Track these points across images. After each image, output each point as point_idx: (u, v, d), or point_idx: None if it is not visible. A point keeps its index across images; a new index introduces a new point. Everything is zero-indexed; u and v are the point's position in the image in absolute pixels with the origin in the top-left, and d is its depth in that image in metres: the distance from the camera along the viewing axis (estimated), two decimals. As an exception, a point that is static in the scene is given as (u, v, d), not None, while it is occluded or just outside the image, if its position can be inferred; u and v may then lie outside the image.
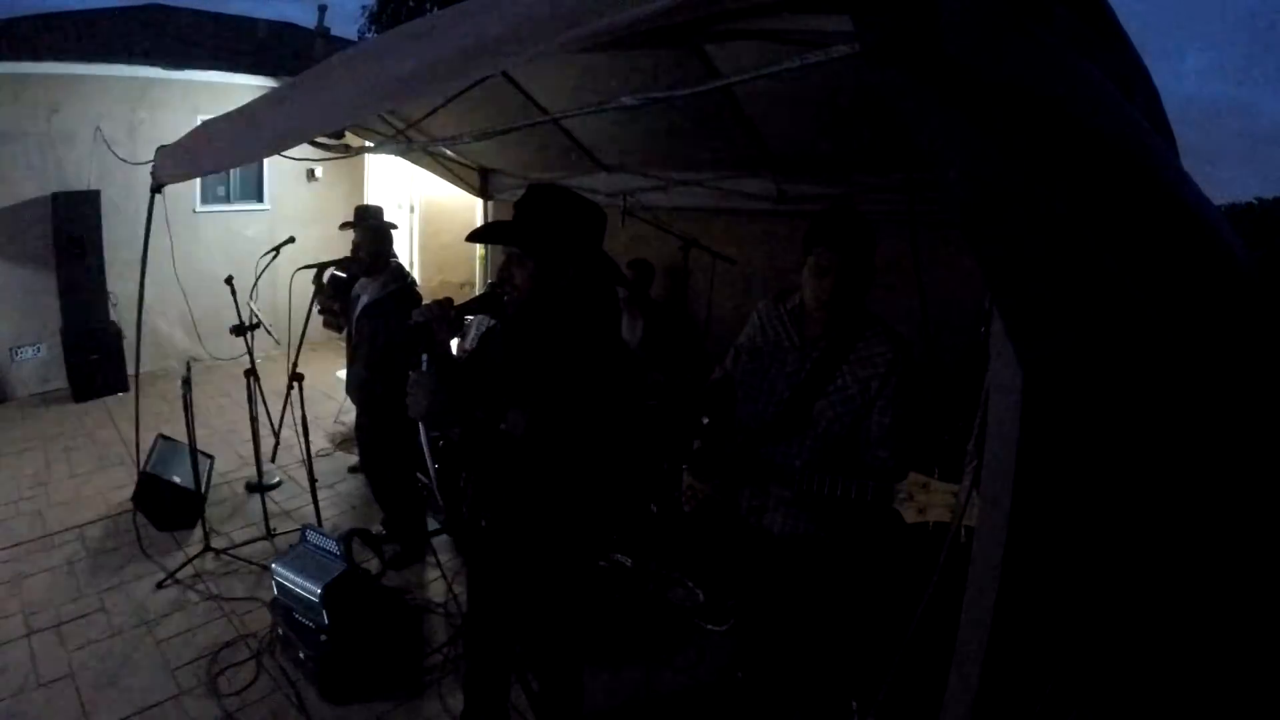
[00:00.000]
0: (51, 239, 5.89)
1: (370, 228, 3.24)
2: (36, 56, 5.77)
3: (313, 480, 3.45)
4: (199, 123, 6.36)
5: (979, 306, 2.11)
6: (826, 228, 1.74)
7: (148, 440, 3.93)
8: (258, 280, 3.47)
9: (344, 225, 3.72)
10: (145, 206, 3.48)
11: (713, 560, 3.05)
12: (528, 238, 1.58)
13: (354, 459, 4.40)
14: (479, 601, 1.99)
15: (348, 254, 3.96)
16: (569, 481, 1.63)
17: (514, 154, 4.22)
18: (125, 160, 5.66)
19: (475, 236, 1.70)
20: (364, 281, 3.24)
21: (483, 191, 5.00)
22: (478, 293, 5.65)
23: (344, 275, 3.82)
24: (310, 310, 3.71)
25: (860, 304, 1.80)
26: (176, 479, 3.67)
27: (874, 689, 2.05)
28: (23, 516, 3.76)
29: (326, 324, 3.80)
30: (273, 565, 2.66)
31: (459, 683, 2.51)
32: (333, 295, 3.70)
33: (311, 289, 3.76)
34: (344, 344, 3.99)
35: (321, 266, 3.92)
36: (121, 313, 6.15)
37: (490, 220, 5.19)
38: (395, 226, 3.48)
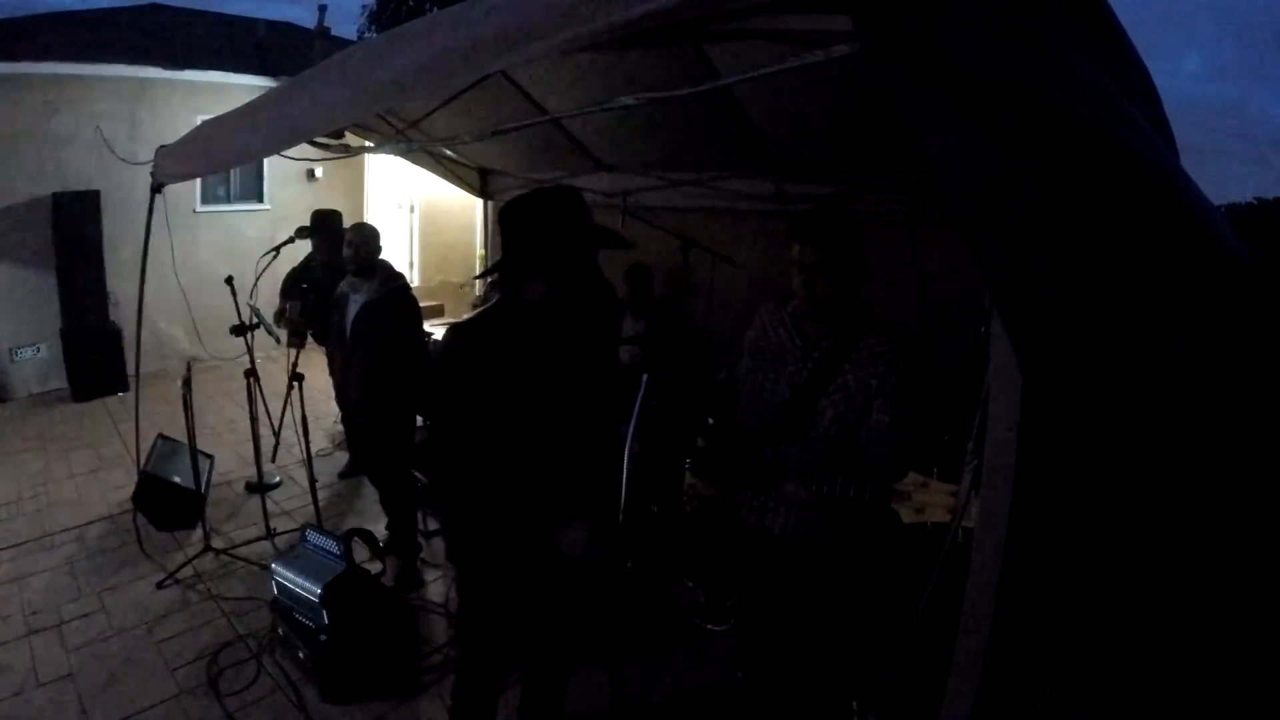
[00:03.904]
0: (51, 239, 5.89)
1: (363, 228, 3.24)
2: (36, 56, 5.78)
3: (313, 480, 3.45)
4: (199, 123, 6.39)
5: (979, 306, 2.11)
6: (803, 224, 1.75)
7: (148, 440, 3.93)
8: (258, 280, 3.47)
9: (301, 235, 3.73)
10: (145, 206, 3.48)
11: (713, 560, 3.05)
12: (538, 262, 1.55)
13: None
14: (479, 608, 1.91)
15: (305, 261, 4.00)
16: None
17: (514, 154, 4.22)
18: (125, 160, 5.66)
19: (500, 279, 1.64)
20: (354, 282, 3.22)
21: (483, 191, 5.00)
22: (478, 294, 5.60)
23: (305, 287, 3.85)
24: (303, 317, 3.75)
25: (855, 301, 1.80)
26: (176, 479, 3.67)
27: (874, 689, 2.05)
28: (23, 516, 3.76)
29: (291, 343, 3.82)
30: (273, 565, 2.66)
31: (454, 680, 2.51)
32: (301, 316, 3.75)
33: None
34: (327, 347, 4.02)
35: (287, 285, 3.98)
36: (121, 313, 6.16)
37: (490, 220, 5.20)
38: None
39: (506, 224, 1.58)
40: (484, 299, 4.90)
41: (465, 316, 1.84)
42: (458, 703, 1.98)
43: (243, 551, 3.38)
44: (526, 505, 1.63)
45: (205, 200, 7.00)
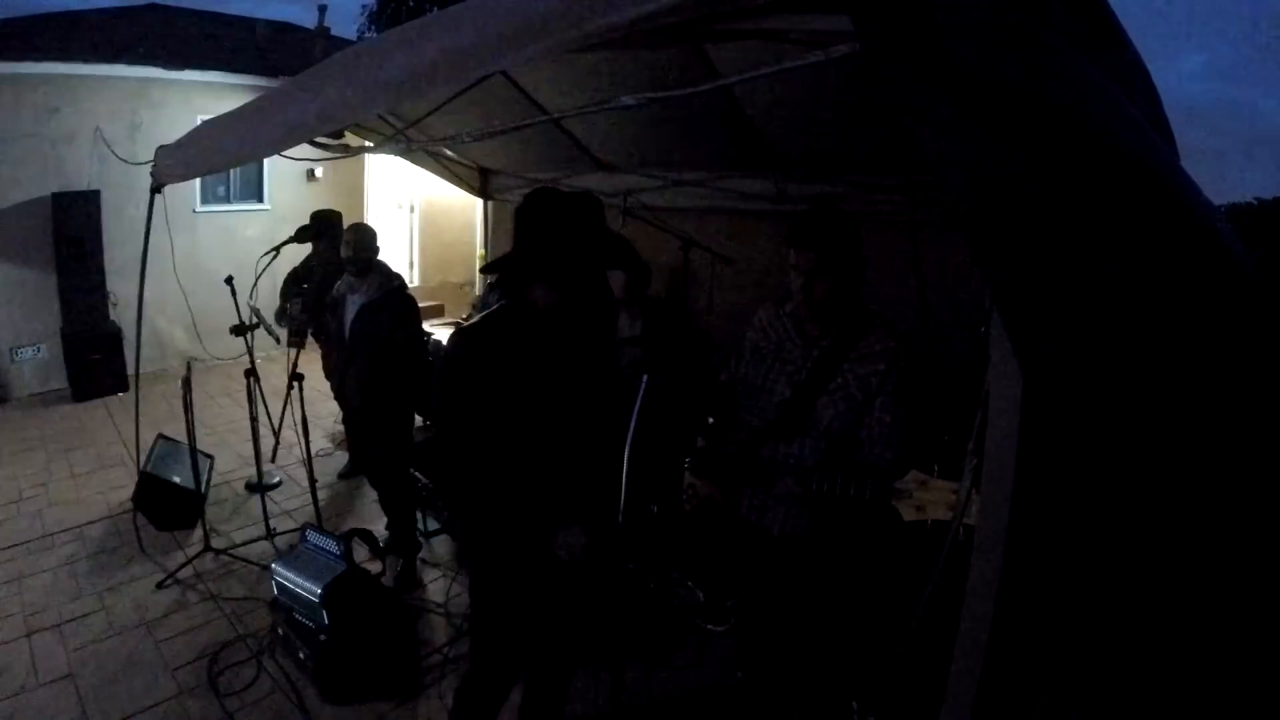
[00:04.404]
0: (51, 239, 5.89)
1: (361, 228, 3.24)
2: (36, 56, 5.77)
3: (313, 480, 3.45)
4: (199, 123, 6.39)
5: (979, 306, 2.11)
6: (798, 229, 1.75)
7: (148, 440, 3.93)
8: (258, 280, 3.47)
9: (301, 236, 3.74)
10: (145, 206, 3.48)
11: (713, 560, 3.05)
12: (554, 266, 1.54)
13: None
14: (491, 612, 1.86)
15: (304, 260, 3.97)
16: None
17: (514, 154, 4.22)
18: (125, 160, 5.65)
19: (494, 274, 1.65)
20: (352, 282, 3.22)
21: (483, 191, 5.00)
22: (478, 293, 5.60)
23: (305, 286, 3.86)
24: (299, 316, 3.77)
25: (854, 301, 1.80)
26: (176, 479, 3.67)
27: (874, 689, 2.06)
28: (23, 516, 3.76)
29: (292, 342, 3.84)
30: (273, 565, 2.66)
31: (459, 683, 2.51)
32: (302, 315, 3.76)
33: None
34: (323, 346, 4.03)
35: (288, 285, 4.00)
36: (121, 313, 6.16)
37: (490, 220, 5.20)
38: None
39: (523, 221, 1.55)
40: (483, 300, 4.90)
41: (470, 320, 1.83)
42: (460, 705, 1.98)
43: (243, 551, 3.38)
44: (526, 507, 1.63)
45: (205, 200, 6.99)
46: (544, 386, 1.59)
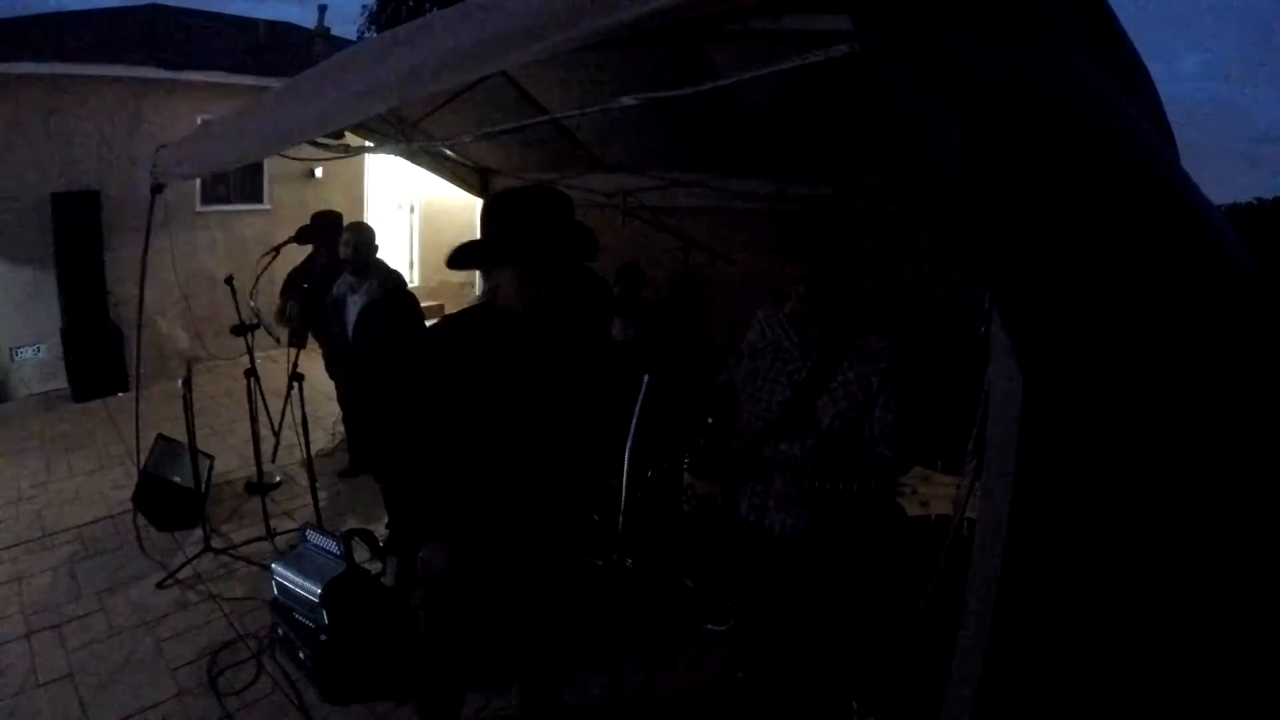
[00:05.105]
0: (51, 239, 5.89)
1: (361, 228, 3.24)
2: (37, 56, 5.78)
3: (313, 480, 3.45)
4: (199, 123, 6.40)
5: (979, 306, 2.11)
6: (789, 239, 1.73)
7: (148, 440, 3.93)
8: (258, 280, 3.47)
9: (302, 237, 3.74)
10: (145, 206, 3.48)
11: (713, 560, 3.04)
12: (497, 251, 1.55)
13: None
14: (456, 615, 1.88)
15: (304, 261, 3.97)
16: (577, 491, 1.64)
17: (514, 154, 4.22)
18: (125, 160, 5.67)
19: (452, 262, 1.62)
20: (352, 282, 3.21)
21: (483, 191, 4.99)
22: (478, 293, 5.60)
23: (306, 287, 3.87)
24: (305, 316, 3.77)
25: (852, 300, 1.80)
26: (176, 479, 3.67)
27: (874, 689, 2.06)
28: (23, 516, 3.77)
29: (292, 342, 3.86)
30: (273, 565, 2.66)
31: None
32: (301, 316, 3.77)
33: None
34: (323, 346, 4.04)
35: (288, 284, 4.00)
36: (121, 313, 6.16)
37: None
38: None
39: (487, 216, 1.60)
40: (482, 299, 4.91)
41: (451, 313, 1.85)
42: (422, 698, 1.99)
43: (243, 551, 3.38)
44: (422, 509, 1.64)
45: (205, 200, 7.00)
46: (504, 388, 1.59)
